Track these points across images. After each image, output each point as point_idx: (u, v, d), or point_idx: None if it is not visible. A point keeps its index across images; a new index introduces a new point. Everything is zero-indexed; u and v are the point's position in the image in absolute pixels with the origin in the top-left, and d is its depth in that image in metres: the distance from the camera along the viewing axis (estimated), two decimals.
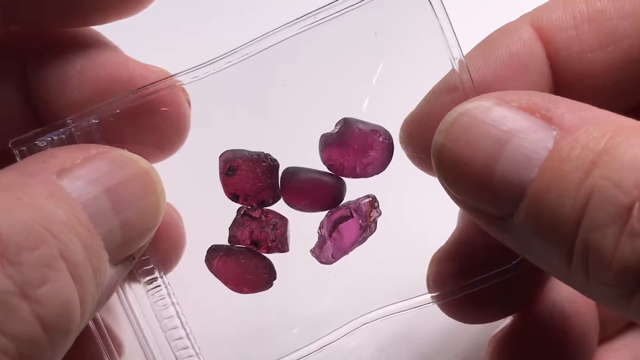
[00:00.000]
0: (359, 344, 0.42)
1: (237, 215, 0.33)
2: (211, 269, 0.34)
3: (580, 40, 0.32)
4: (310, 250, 0.34)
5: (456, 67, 0.31)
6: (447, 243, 0.36)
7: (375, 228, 0.34)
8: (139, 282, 0.33)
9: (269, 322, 0.37)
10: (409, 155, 0.34)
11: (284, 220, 0.34)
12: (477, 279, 0.33)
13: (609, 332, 0.39)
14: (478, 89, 0.31)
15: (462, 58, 0.31)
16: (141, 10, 0.32)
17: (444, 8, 0.30)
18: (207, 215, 0.36)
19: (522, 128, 0.26)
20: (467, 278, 0.33)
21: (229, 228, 0.34)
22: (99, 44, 0.33)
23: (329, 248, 0.33)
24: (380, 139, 0.32)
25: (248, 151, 0.33)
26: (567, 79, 0.33)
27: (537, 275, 0.36)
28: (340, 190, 0.33)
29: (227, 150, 0.33)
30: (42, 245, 0.24)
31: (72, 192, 0.26)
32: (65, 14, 0.31)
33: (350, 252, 0.34)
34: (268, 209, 0.34)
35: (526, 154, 0.26)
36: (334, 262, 0.34)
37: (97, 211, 0.27)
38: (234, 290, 0.34)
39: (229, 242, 0.34)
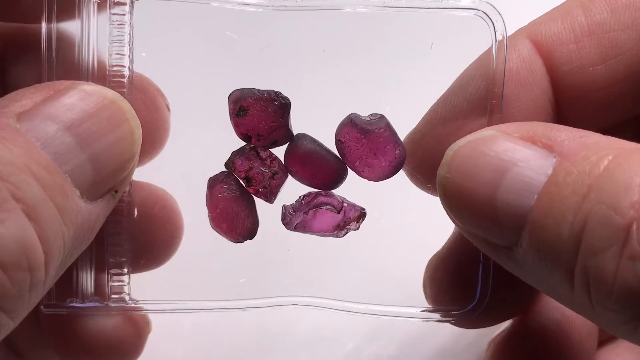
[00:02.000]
0: (359, 344, 0.41)
1: (245, 145, 0.33)
2: (212, 188, 0.33)
3: (580, 54, 0.32)
4: (284, 205, 0.33)
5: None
6: (443, 248, 0.35)
7: (343, 236, 0.33)
8: None
9: (215, 263, 0.36)
10: (407, 172, 0.34)
11: (284, 174, 0.33)
12: (436, 311, 0.34)
13: (609, 335, 0.38)
14: (481, 110, 0.31)
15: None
16: None
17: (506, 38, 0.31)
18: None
19: (522, 157, 0.26)
20: (459, 283, 0.33)
21: (232, 152, 0.33)
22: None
23: (298, 218, 0.33)
24: (397, 152, 0.32)
25: (258, 90, 0.32)
26: (568, 94, 0.32)
27: None
28: (341, 177, 0.33)
29: (236, 90, 0.32)
30: None
31: (30, 134, 0.26)
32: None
33: (308, 234, 0.33)
34: (276, 156, 0.33)
35: (526, 181, 0.26)
36: (292, 230, 0.33)
37: (59, 149, 0.26)
38: (212, 218, 0.33)
39: (226, 164, 0.33)
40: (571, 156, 0.25)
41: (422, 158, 0.33)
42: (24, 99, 0.27)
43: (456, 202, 0.28)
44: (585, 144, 0.25)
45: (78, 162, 0.27)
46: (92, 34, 0.31)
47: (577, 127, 0.32)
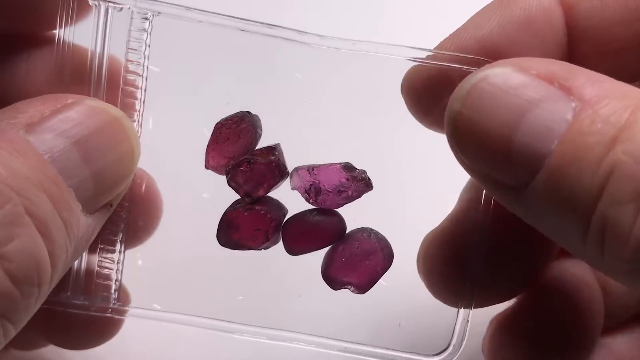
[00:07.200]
0: None
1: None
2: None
3: (603, 12, 0.31)
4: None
5: None
6: (440, 225, 0.35)
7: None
8: None
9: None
10: (407, 102, 0.33)
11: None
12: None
13: (613, 323, 0.37)
14: (489, 54, 0.30)
15: None
16: None
17: None
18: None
19: (542, 97, 0.26)
20: (454, 265, 0.34)
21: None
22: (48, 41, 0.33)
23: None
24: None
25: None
26: (584, 52, 0.31)
27: (542, 258, 0.35)
28: (343, 228, 0.34)
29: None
30: (6, 203, 0.25)
31: (40, 147, 0.27)
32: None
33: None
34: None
35: (546, 125, 0.25)
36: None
37: (67, 164, 0.27)
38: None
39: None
40: (593, 103, 0.25)
41: (425, 91, 0.32)
42: (31, 109, 0.28)
43: (468, 139, 0.27)
44: (605, 90, 0.25)
45: (82, 178, 0.28)
46: (107, 42, 0.31)
47: None
